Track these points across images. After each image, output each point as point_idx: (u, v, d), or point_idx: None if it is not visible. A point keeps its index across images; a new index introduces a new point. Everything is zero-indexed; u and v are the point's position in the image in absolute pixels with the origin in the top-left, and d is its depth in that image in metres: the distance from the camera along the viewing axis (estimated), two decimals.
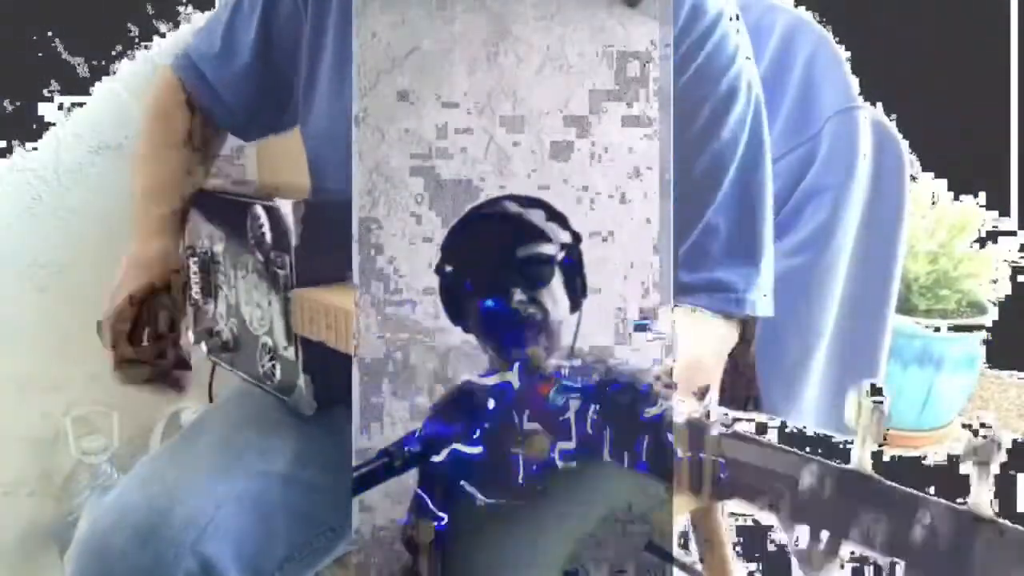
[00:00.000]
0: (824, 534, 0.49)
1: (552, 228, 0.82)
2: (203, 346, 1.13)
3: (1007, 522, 0.44)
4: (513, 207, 0.84)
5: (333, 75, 1.01)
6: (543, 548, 0.80)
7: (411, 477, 0.81)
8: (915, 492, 0.46)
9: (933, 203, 2.30)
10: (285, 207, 0.92)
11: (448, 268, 0.82)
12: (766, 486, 0.52)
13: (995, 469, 0.44)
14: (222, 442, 0.98)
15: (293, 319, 0.93)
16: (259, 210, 0.96)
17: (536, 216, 0.82)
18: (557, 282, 0.79)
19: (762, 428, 0.55)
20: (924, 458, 2.30)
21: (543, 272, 0.79)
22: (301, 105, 1.07)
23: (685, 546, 1.35)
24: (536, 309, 0.78)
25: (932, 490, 0.47)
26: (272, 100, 1.11)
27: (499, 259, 0.80)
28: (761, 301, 0.96)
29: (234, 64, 1.08)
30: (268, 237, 0.95)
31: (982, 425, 0.45)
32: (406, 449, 0.79)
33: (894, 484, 0.47)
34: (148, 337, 1.06)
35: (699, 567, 1.27)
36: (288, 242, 0.92)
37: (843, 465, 0.49)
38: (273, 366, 0.99)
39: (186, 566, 0.86)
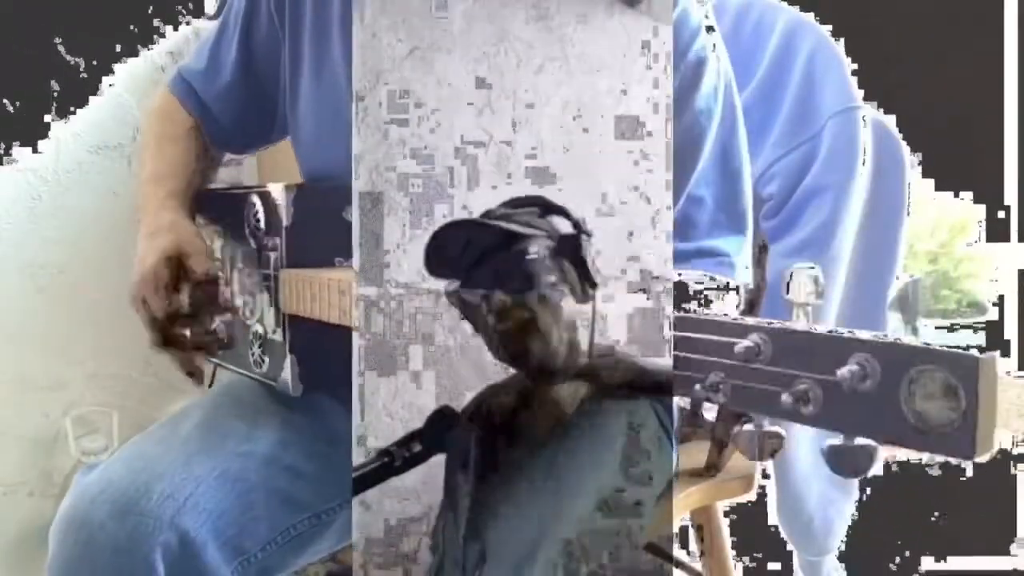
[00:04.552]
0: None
1: (545, 223, 0.76)
2: None
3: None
4: (499, 210, 0.80)
5: (313, 84, 1.05)
6: (566, 502, 0.76)
7: (411, 477, 0.81)
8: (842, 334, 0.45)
9: (933, 199, 2.29)
10: (276, 190, 0.95)
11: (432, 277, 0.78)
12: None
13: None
14: (206, 424, 1.00)
15: (281, 297, 0.95)
16: (254, 197, 0.99)
17: (522, 216, 0.78)
18: (548, 278, 0.73)
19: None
20: (930, 465, 2.30)
21: (515, 276, 0.72)
22: (288, 116, 1.11)
23: (685, 546, 1.35)
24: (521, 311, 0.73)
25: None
26: (257, 113, 1.15)
27: (472, 270, 0.75)
28: (743, 271, 0.97)
29: (219, 80, 1.14)
30: (262, 222, 0.98)
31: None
32: (406, 449, 0.79)
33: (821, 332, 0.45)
34: (188, 300, 0.99)
35: (699, 567, 1.27)
36: (279, 224, 0.94)
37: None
38: (262, 352, 1.00)
39: (164, 539, 0.87)
